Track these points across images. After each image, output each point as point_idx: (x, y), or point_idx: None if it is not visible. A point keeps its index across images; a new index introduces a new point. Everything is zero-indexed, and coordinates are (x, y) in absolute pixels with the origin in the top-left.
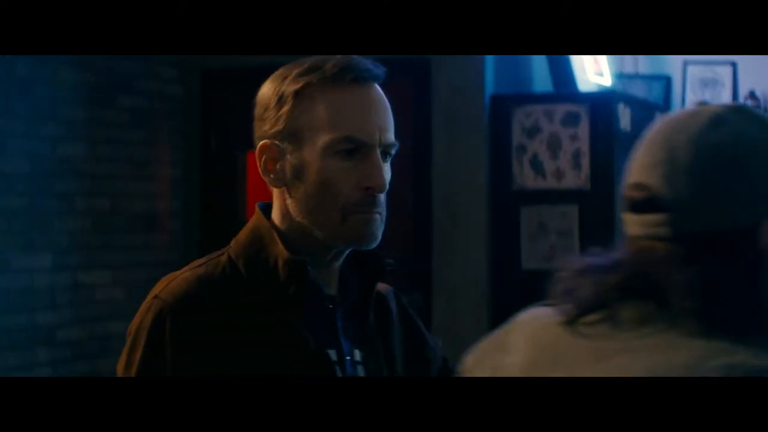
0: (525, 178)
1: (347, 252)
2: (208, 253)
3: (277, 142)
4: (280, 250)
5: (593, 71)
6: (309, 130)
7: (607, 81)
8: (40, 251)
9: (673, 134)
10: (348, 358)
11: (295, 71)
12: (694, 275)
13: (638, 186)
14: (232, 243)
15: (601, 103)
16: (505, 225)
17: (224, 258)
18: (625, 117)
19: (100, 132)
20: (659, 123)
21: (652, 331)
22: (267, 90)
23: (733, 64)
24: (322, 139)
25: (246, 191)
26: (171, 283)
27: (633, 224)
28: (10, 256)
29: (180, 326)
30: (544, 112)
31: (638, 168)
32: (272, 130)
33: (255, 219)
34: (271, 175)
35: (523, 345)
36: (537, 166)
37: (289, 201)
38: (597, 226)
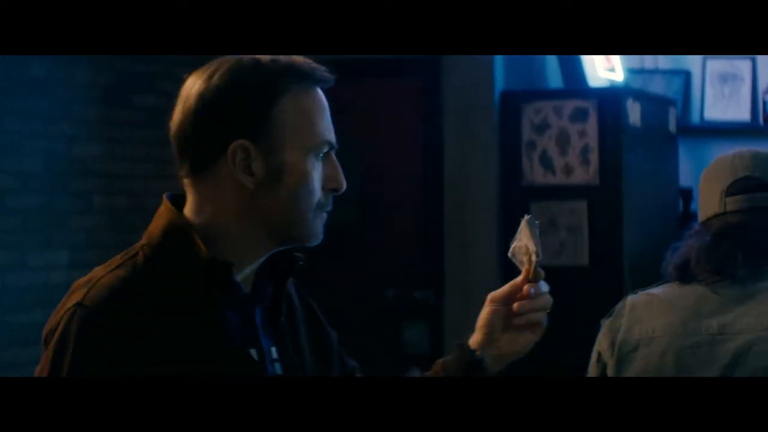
0: (534, 174)
1: None
2: None
3: (251, 142)
4: (203, 252)
5: (604, 67)
6: (291, 132)
7: (618, 76)
8: (57, 249)
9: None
10: (267, 356)
11: (265, 70)
12: None
13: (750, 179)
14: (145, 241)
15: (610, 98)
16: (516, 221)
17: (140, 258)
18: (634, 112)
19: (116, 131)
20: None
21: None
22: (226, 86)
23: (753, 59)
24: (307, 141)
25: None
26: (92, 290)
27: (737, 202)
28: (28, 253)
29: (107, 334)
30: (553, 108)
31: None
32: (247, 131)
33: (168, 215)
34: (248, 176)
35: (648, 314)
36: (546, 162)
37: (259, 201)
38: (606, 221)
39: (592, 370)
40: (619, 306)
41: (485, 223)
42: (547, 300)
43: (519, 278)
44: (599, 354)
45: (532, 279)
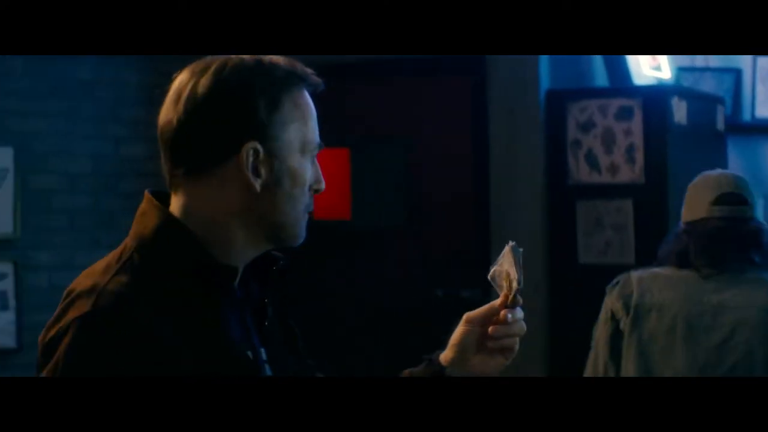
0: (580, 173)
1: None
2: (277, 249)
3: (260, 143)
4: (204, 255)
5: (650, 65)
6: (292, 134)
7: (665, 75)
8: (105, 249)
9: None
10: (259, 358)
11: (270, 71)
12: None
13: (733, 194)
14: (136, 242)
15: (655, 96)
16: (562, 220)
17: (137, 261)
18: (680, 110)
19: None
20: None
21: (752, 273)
22: (235, 86)
23: None
24: (304, 143)
25: None
26: (100, 299)
27: (721, 210)
28: (75, 254)
29: (121, 341)
30: (598, 107)
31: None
32: (256, 132)
33: (159, 215)
34: (256, 177)
35: (655, 286)
36: (592, 160)
37: (261, 202)
38: (651, 219)
39: (601, 328)
40: (623, 277)
41: (531, 222)
42: (522, 327)
43: (497, 301)
44: (612, 313)
45: (510, 305)
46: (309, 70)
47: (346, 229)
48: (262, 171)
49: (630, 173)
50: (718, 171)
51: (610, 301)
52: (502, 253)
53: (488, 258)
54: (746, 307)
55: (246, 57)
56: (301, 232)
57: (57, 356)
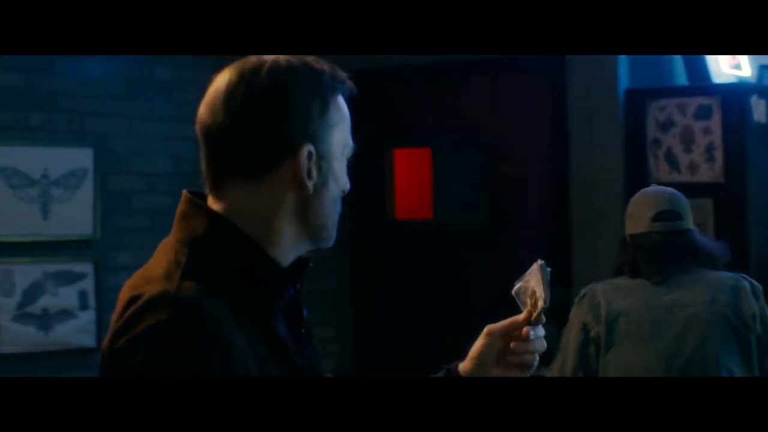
0: (660, 172)
1: None
2: (361, 248)
3: (313, 145)
4: (264, 257)
5: (729, 64)
6: (336, 136)
7: (745, 73)
8: None
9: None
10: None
11: (319, 74)
12: (699, 243)
13: (670, 211)
14: (188, 247)
15: (734, 95)
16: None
17: (197, 265)
18: (759, 108)
19: None
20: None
21: (693, 273)
22: (291, 89)
23: None
24: (345, 146)
25: (394, 188)
26: (175, 307)
27: (660, 226)
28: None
29: (205, 349)
30: (677, 106)
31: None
32: (311, 134)
33: (210, 219)
34: (311, 180)
35: (618, 296)
36: (671, 160)
37: (309, 204)
38: (732, 218)
39: (572, 338)
40: (588, 290)
41: (612, 222)
42: (543, 344)
43: (520, 317)
44: (583, 324)
45: (533, 322)
46: (345, 75)
47: (429, 229)
48: (314, 173)
49: (709, 172)
50: (655, 188)
51: (582, 313)
52: (530, 270)
53: (569, 258)
54: (695, 303)
55: (291, 58)
56: (335, 233)
57: (134, 363)
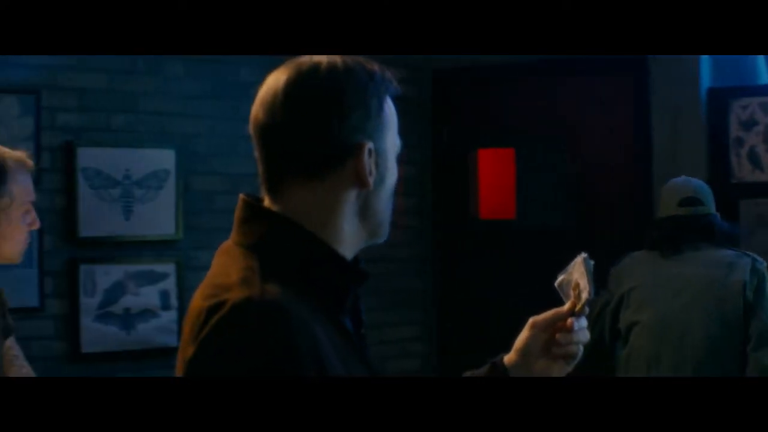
0: (742, 170)
1: None
2: (445, 248)
3: (373, 143)
4: (337, 258)
5: None
6: (390, 134)
7: None
8: None
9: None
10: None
11: (372, 74)
12: (717, 226)
13: (694, 198)
14: (257, 251)
15: None
16: (725, 218)
17: (272, 268)
18: None
19: None
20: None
21: (703, 251)
22: (351, 88)
23: None
24: (396, 143)
25: (477, 187)
26: (263, 314)
27: (685, 210)
28: None
29: (297, 354)
30: (759, 104)
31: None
32: (370, 133)
33: (276, 221)
34: (371, 177)
35: (635, 266)
36: (754, 158)
37: (368, 201)
38: None
39: (598, 302)
40: (624, 259)
41: None
42: (587, 335)
43: (563, 308)
44: (608, 289)
45: (577, 313)
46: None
47: (511, 229)
48: (373, 170)
49: None
50: (683, 178)
51: (609, 280)
52: (573, 262)
53: None
54: (695, 275)
55: (344, 59)
56: (388, 229)
57: (226, 369)
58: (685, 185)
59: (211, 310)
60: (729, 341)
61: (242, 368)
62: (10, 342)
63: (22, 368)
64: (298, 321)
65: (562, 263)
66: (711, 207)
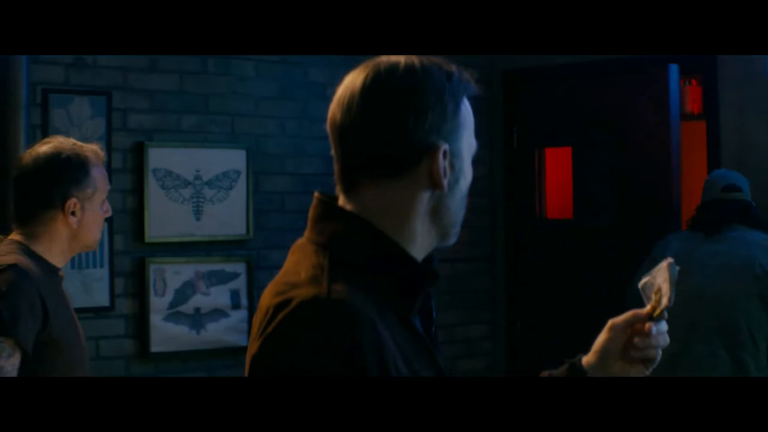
0: None
1: None
2: (511, 247)
3: (448, 144)
4: (408, 258)
5: None
6: (467, 136)
7: None
8: None
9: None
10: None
11: (449, 75)
12: (752, 210)
13: (734, 185)
14: (329, 250)
15: None
16: None
17: (343, 268)
18: None
19: None
20: None
21: (738, 232)
22: (431, 89)
23: None
24: (472, 145)
25: (545, 187)
26: (329, 312)
27: (727, 195)
28: None
29: (360, 354)
30: None
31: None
32: (446, 134)
33: (350, 221)
34: (445, 178)
35: (676, 243)
36: None
37: (442, 202)
38: None
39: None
40: (668, 235)
41: (765, 217)
42: (666, 339)
43: (642, 310)
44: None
45: (655, 318)
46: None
47: (570, 229)
48: (448, 172)
49: None
50: (725, 170)
51: (655, 248)
52: (658, 266)
53: None
54: (727, 253)
55: (422, 59)
56: (459, 231)
57: (291, 367)
58: (727, 174)
59: (278, 307)
60: (752, 312)
61: (305, 365)
62: None
63: None
64: (363, 320)
65: (621, 263)
66: (748, 195)
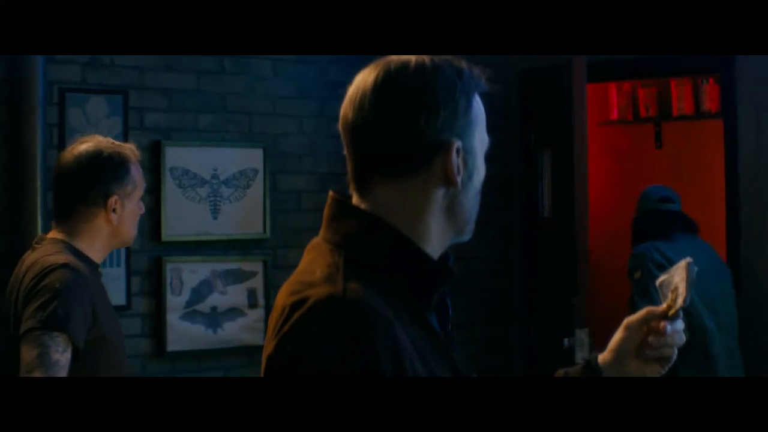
0: None
1: None
2: (528, 247)
3: (461, 141)
4: (424, 257)
5: None
6: (479, 132)
7: None
8: None
9: None
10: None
11: (460, 73)
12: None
13: (668, 197)
14: (344, 249)
15: None
16: None
17: (358, 267)
18: None
19: None
20: None
21: (698, 239)
22: (442, 87)
23: None
24: (484, 141)
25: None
26: (344, 311)
27: (663, 206)
28: None
29: (376, 353)
30: None
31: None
32: (459, 130)
33: (365, 220)
34: (459, 175)
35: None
36: None
37: (456, 199)
38: None
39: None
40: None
41: None
42: (682, 338)
43: (658, 309)
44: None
45: (670, 317)
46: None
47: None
48: (462, 169)
49: None
50: (657, 185)
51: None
52: (677, 265)
53: (737, 251)
54: (711, 258)
55: (432, 57)
56: (473, 227)
57: (306, 366)
58: (660, 187)
59: (294, 307)
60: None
61: (320, 365)
62: None
63: None
64: (378, 319)
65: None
66: (679, 204)
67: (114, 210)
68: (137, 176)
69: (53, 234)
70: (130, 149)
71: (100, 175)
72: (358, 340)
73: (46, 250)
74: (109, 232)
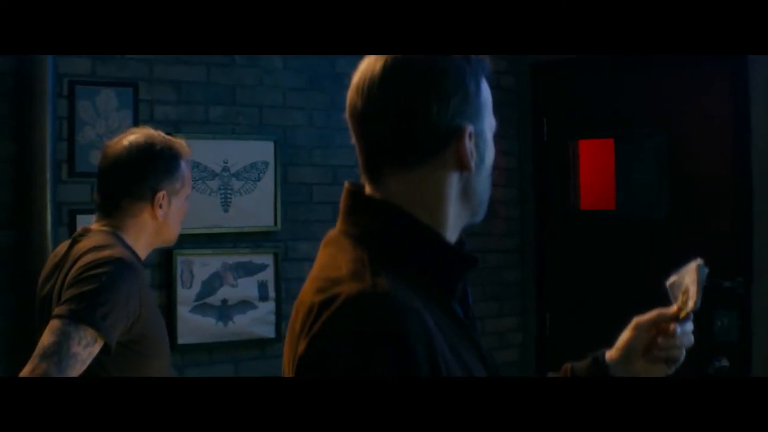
0: None
1: None
2: (543, 239)
3: (472, 125)
4: (446, 245)
5: None
6: (488, 115)
7: None
8: None
9: None
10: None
11: (467, 56)
12: None
13: None
14: (366, 241)
15: None
16: None
17: (386, 261)
18: None
19: None
20: None
21: None
22: (451, 72)
23: None
24: (493, 123)
25: (578, 178)
26: (377, 307)
27: None
28: None
29: (411, 348)
30: None
31: None
32: (470, 115)
33: (386, 210)
34: (472, 159)
35: None
36: None
37: (470, 184)
38: None
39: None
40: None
41: None
42: (690, 340)
43: (668, 310)
44: None
45: (681, 319)
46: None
47: (611, 220)
48: (474, 152)
49: None
50: None
51: None
52: (688, 266)
53: (750, 249)
54: None
55: None
56: (486, 208)
57: (342, 366)
58: None
59: (323, 305)
60: None
61: (356, 362)
62: None
63: None
64: (410, 312)
65: (660, 254)
66: None
67: (161, 206)
68: (187, 173)
69: (98, 226)
70: (181, 144)
71: (150, 168)
72: (392, 335)
73: (100, 239)
74: (153, 229)
